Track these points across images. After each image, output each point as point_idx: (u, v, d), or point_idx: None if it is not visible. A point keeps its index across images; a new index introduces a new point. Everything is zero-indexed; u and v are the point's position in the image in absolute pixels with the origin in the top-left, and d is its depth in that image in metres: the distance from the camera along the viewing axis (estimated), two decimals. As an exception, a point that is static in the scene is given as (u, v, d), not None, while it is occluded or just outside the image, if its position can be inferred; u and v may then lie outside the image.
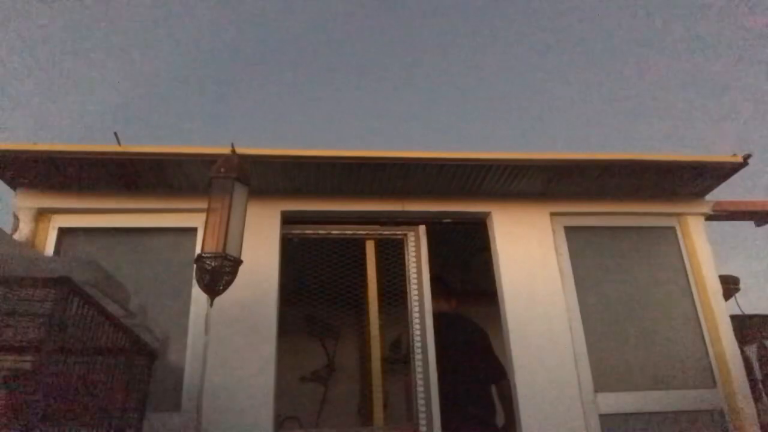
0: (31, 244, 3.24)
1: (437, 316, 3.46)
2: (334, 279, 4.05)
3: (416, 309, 3.47)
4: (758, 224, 4.14)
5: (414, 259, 3.60)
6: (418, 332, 3.41)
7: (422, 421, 3.19)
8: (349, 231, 3.65)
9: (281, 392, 3.17)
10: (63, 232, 3.37)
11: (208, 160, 2.98)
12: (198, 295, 3.14)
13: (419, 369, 3.32)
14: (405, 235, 3.68)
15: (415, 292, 3.51)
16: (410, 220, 3.66)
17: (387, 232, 3.68)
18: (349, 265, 3.87)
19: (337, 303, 4.29)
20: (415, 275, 3.56)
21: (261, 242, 3.34)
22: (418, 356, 3.36)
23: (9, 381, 1.79)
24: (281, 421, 3.13)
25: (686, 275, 3.68)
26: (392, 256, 3.71)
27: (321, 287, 4.17)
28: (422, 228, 3.63)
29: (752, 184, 4.30)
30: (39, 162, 3.13)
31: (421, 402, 3.25)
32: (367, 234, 3.67)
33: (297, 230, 3.58)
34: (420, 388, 3.28)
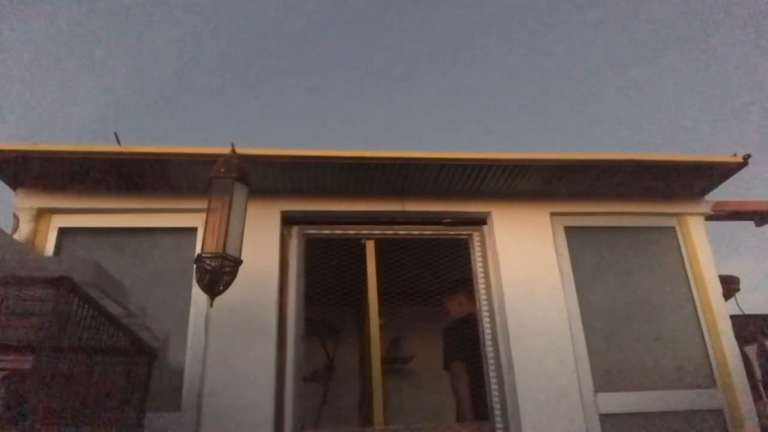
0: (31, 244, 3.24)
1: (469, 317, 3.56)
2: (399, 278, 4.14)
3: (485, 307, 3.50)
4: (758, 224, 4.14)
5: (480, 259, 3.63)
6: (488, 331, 3.45)
7: (498, 418, 3.24)
8: (416, 231, 3.68)
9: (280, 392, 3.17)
10: (63, 232, 3.37)
11: (208, 160, 2.98)
12: (198, 295, 3.14)
13: (492, 367, 3.36)
14: (470, 234, 3.71)
15: (483, 291, 3.54)
16: (473, 220, 3.70)
17: (452, 231, 3.70)
18: (416, 265, 4.02)
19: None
20: (482, 274, 3.59)
21: (261, 242, 3.34)
22: (491, 355, 3.39)
23: (9, 381, 1.79)
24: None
25: (686, 275, 3.68)
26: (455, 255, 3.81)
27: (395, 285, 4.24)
28: (486, 228, 3.67)
29: (752, 184, 4.30)
30: (39, 162, 3.13)
31: (495, 400, 3.29)
32: (432, 234, 3.70)
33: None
34: (494, 386, 3.32)
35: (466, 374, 3.62)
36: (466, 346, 3.58)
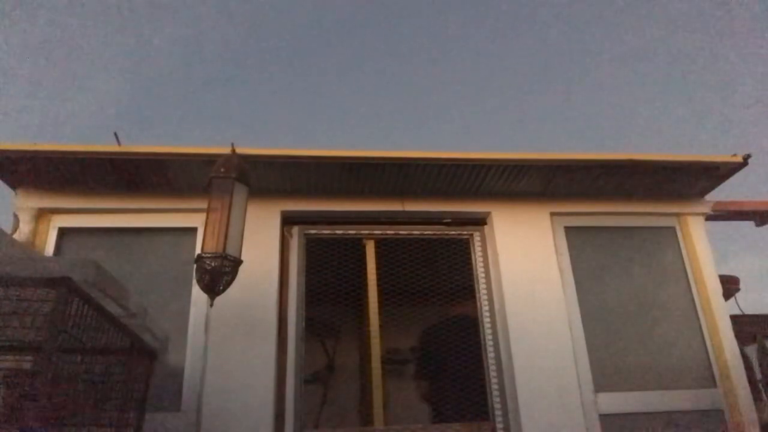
0: (31, 244, 3.24)
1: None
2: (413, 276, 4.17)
3: (486, 307, 3.51)
4: (758, 224, 4.14)
5: (480, 259, 3.64)
6: (489, 330, 3.46)
7: (498, 418, 3.25)
8: (417, 231, 3.69)
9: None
10: (63, 232, 3.37)
11: (208, 160, 2.98)
12: (198, 295, 3.14)
13: (492, 367, 3.36)
14: (471, 235, 3.71)
15: (484, 291, 3.55)
16: (473, 220, 3.70)
17: (452, 231, 3.71)
18: (417, 265, 4.03)
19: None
20: (482, 274, 3.59)
21: (261, 242, 3.34)
22: (491, 354, 3.40)
23: (9, 381, 1.79)
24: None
25: (686, 275, 3.68)
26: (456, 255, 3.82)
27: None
28: (486, 228, 3.69)
29: (752, 184, 4.30)
30: (39, 162, 3.13)
31: (495, 400, 3.29)
32: (432, 234, 3.70)
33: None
34: (494, 386, 3.32)
35: (426, 390, 3.70)
36: (441, 356, 3.62)
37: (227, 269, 2.49)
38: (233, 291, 2.59)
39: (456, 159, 3.26)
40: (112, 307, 2.31)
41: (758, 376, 4.10)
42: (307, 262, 3.52)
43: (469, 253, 3.72)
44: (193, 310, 3.22)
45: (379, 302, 3.52)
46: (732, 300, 4.31)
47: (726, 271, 4.14)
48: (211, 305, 2.53)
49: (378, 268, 3.61)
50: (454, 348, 3.79)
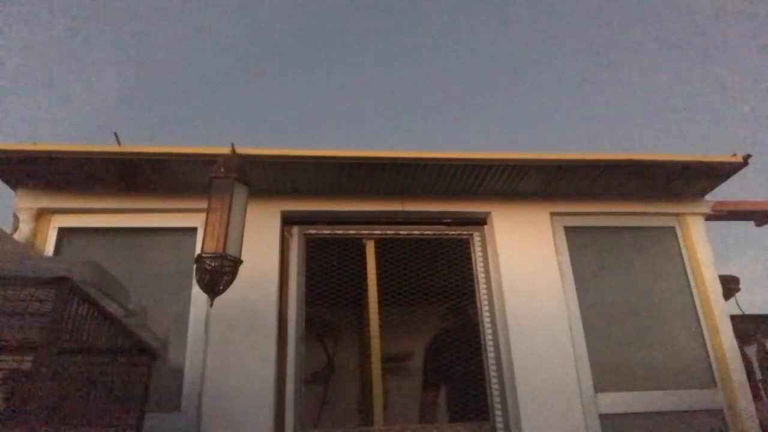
0: (31, 244, 3.24)
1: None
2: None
3: (486, 308, 3.51)
4: (758, 224, 4.14)
5: (480, 259, 3.64)
6: (489, 331, 3.46)
7: (498, 418, 3.25)
8: (417, 231, 3.69)
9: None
10: (63, 232, 3.37)
11: (208, 160, 2.98)
12: (198, 295, 3.14)
13: (492, 367, 3.36)
14: (471, 235, 3.71)
15: (484, 292, 3.55)
16: (473, 220, 3.70)
17: (452, 232, 3.71)
18: (416, 265, 3.97)
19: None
20: (482, 274, 3.59)
21: (261, 242, 3.34)
22: (491, 354, 3.40)
23: (9, 381, 1.79)
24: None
25: (686, 275, 3.68)
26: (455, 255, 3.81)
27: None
28: (486, 228, 3.69)
29: (752, 184, 4.30)
30: (39, 162, 3.13)
31: (495, 399, 3.30)
32: (432, 234, 3.70)
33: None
34: (494, 386, 3.32)
35: (434, 397, 3.75)
36: (446, 365, 3.62)
37: (227, 269, 2.49)
38: (233, 291, 2.59)
39: (456, 159, 3.26)
40: (112, 307, 2.32)
41: (758, 376, 4.11)
42: (307, 262, 3.52)
43: (469, 253, 3.72)
44: (193, 310, 3.22)
45: (379, 302, 3.52)
46: (732, 300, 4.31)
47: (726, 271, 4.15)
48: (211, 305, 2.53)
49: (378, 268, 3.60)
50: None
